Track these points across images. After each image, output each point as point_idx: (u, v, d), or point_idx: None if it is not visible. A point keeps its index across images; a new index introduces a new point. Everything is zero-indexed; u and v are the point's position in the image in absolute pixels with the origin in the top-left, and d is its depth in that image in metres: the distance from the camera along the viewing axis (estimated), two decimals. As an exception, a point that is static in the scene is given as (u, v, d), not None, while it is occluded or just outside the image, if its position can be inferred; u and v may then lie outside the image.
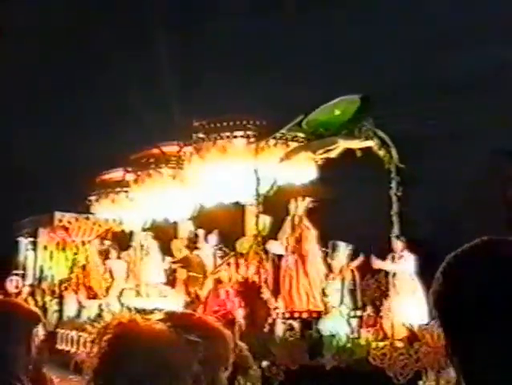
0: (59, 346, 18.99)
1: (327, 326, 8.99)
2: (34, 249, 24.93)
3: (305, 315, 9.54)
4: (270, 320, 9.19)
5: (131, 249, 18.36)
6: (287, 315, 9.51)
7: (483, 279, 1.08)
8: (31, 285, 24.23)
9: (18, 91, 26.18)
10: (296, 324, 9.18)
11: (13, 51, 25.00)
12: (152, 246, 17.00)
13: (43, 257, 24.47)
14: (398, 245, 10.20)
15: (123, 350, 1.47)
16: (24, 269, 24.99)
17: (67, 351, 18.40)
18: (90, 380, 1.50)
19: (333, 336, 8.71)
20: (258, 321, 9.02)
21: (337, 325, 8.94)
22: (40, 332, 2.54)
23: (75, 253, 21.42)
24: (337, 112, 9.47)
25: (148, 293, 16.74)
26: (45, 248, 24.41)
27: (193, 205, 14.17)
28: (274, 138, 10.60)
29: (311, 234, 10.69)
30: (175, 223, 15.57)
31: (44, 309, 21.12)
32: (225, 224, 13.67)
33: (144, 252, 16.96)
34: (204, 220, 14.37)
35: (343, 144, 9.69)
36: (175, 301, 14.85)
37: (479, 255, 1.13)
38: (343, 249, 10.16)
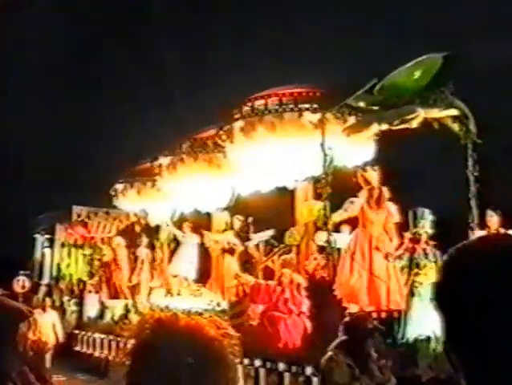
0: (80, 349, 17.88)
1: (416, 327, 7.48)
2: (51, 247, 23.85)
3: (384, 315, 8.05)
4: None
5: (157, 244, 17.06)
6: (363, 316, 8.02)
7: (487, 274, 1.06)
8: (48, 285, 23.18)
9: (34, 87, 24.97)
10: (374, 326, 7.67)
11: (42, 39, 23.84)
12: (185, 240, 15.58)
13: (61, 255, 23.25)
14: (492, 221, 8.74)
15: (163, 344, 1.39)
16: (40, 267, 23.97)
17: (89, 354, 17.25)
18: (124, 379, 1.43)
19: (429, 339, 7.19)
20: (330, 324, 7.56)
21: (430, 324, 7.34)
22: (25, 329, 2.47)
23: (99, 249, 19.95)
24: (417, 74, 8.00)
25: (179, 291, 15.36)
26: (62, 245, 23.20)
27: (231, 193, 12.73)
28: (338, 110, 9.13)
29: (381, 216, 9.19)
30: (208, 214, 14.10)
31: (62, 309, 19.99)
32: (268, 213, 12.24)
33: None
34: (243, 209, 12.93)
35: (422, 114, 8.22)
36: (209, 301, 13.47)
37: (484, 249, 1.11)
38: (428, 217, 8.60)
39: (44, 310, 14.27)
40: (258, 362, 9.06)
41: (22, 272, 21.55)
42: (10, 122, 23.75)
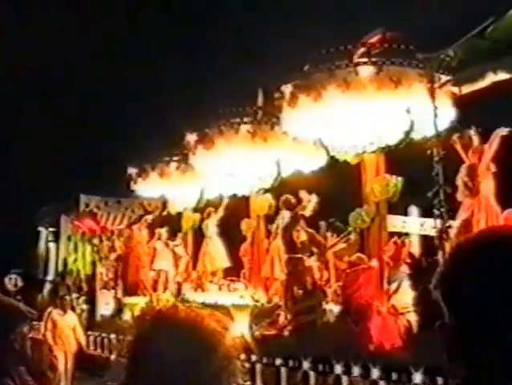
0: (93, 352, 16.30)
1: None
2: (57, 241, 22.26)
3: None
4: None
5: (179, 234, 15.47)
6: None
7: (495, 265, 1.06)
8: (53, 282, 21.64)
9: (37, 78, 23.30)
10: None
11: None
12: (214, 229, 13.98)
13: (67, 249, 21.60)
14: None
15: (164, 336, 1.40)
16: (46, 263, 22.47)
17: (105, 358, 15.68)
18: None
19: None
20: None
21: None
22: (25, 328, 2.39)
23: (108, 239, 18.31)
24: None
25: (209, 287, 13.75)
26: (69, 238, 21.50)
27: (276, 171, 11.07)
28: (427, 63, 7.56)
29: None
30: (245, 198, 12.39)
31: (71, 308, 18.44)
32: (324, 192, 10.66)
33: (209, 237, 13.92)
34: (290, 189, 11.31)
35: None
36: (250, 295, 11.88)
37: (489, 242, 1.10)
38: None
39: (64, 310, 12.60)
40: (339, 368, 7.47)
41: (13, 270, 20.45)
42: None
